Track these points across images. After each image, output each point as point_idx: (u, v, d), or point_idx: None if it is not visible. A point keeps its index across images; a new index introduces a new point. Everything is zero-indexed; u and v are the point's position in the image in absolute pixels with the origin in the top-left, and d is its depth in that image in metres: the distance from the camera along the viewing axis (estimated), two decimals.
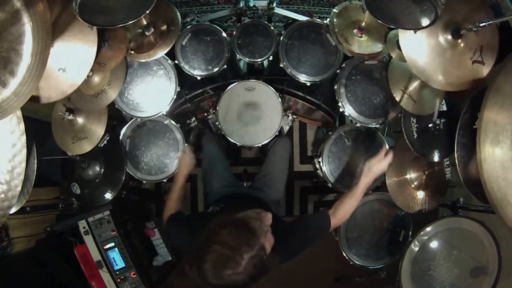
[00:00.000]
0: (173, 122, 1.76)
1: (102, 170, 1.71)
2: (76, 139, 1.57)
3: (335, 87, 1.67)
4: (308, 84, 1.67)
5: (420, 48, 1.26)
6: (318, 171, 1.91)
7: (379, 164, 1.35)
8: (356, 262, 1.77)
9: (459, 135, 1.33)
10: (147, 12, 1.19)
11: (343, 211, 1.29)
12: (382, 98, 1.67)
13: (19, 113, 1.15)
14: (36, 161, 1.31)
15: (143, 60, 1.57)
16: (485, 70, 1.27)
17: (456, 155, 1.32)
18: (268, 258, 0.95)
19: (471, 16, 1.22)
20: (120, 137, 1.75)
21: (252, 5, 1.90)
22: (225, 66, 1.69)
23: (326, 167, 1.77)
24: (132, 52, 1.54)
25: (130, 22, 1.19)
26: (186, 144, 1.53)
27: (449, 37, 1.24)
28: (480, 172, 1.09)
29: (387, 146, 1.37)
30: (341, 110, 1.68)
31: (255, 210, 1.08)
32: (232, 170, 1.84)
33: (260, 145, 1.73)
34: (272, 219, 1.07)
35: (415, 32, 1.22)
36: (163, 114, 1.71)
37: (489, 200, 1.08)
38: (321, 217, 1.26)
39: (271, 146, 1.81)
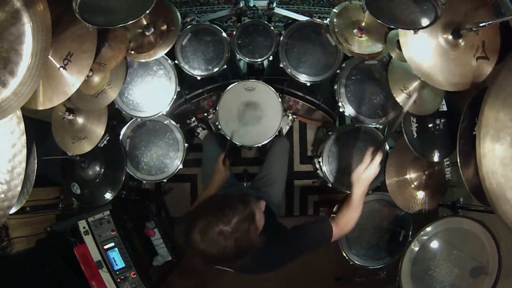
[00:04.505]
0: (173, 122, 1.76)
1: (102, 170, 1.71)
2: (76, 139, 1.57)
3: (335, 87, 1.67)
4: (308, 84, 1.67)
5: (422, 50, 1.25)
6: (318, 171, 1.91)
7: (367, 171, 1.21)
8: (356, 262, 1.77)
9: (460, 143, 1.33)
10: (147, 12, 1.19)
11: (344, 222, 1.22)
12: (382, 98, 1.67)
13: (19, 113, 1.15)
14: (36, 161, 1.31)
15: (143, 60, 1.57)
16: (490, 66, 1.27)
17: (459, 165, 1.31)
18: (255, 230, 0.96)
19: (471, 16, 1.22)
20: (120, 137, 1.75)
21: (252, 5, 1.91)
22: (225, 66, 1.68)
23: (326, 167, 1.77)
24: (132, 52, 1.54)
25: (130, 22, 1.19)
26: (223, 153, 1.47)
27: (450, 37, 1.24)
28: (479, 168, 1.08)
29: (371, 149, 1.23)
30: (341, 110, 1.68)
31: None
32: (232, 170, 1.84)
33: (260, 145, 1.73)
34: (271, 223, 1.07)
35: (415, 32, 1.22)
36: (163, 114, 1.70)
37: (487, 197, 1.08)
38: (323, 226, 1.20)
39: (269, 147, 1.81)
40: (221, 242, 0.89)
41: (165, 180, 1.78)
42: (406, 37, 1.26)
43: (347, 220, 1.22)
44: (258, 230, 0.98)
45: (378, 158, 1.21)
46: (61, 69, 1.26)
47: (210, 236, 0.89)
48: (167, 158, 1.78)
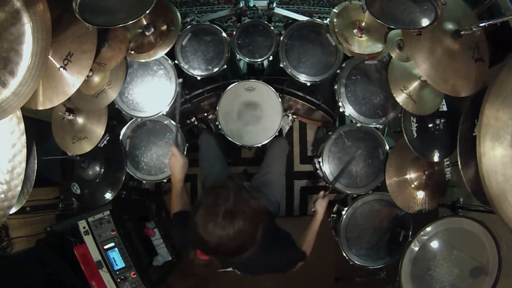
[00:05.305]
0: (173, 122, 1.76)
1: (102, 170, 1.71)
2: (76, 139, 1.57)
3: (335, 87, 1.67)
4: (308, 84, 1.67)
5: (426, 52, 1.25)
6: (318, 171, 1.91)
7: (319, 205, 1.49)
8: (356, 262, 1.77)
9: (461, 145, 1.34)
10: (147, 12, 1.19)
11: (308, 245, 1.39)
12: (382, 98, 1.67)
13: (19, 113, 1.15)
14: (36, 161, 1.31)
15: (143, 60, 1.57)
16: (485, 67, 1.28)
17: (460, 167, 1.32)
18: (253, 195, 0.94)
19: (468, 16, 1.22)
20: (120, 137, 1.75)
21: (252, 5, 1.90)
22: (225, 66, 1.68)
23: (326, 167, 1.77)
24: (132, 52, 1.54)
25: (130, 22, 1.20)
26: (172, 146, 1.40)
27: (450, 38, 1.24)
28: (479, 166, 1.09)
29: (322, 193, 1.55)
30: (341, 110, 1.68)
31: None
32: (232, 170, 1.84)
33: (260, 145, 1.73)
34: (270, 224, 1.07)
35: (415, 32, 1.22)
36: (163, 114, 1.71)
37: (487, 195, 1.09)
38: (296, 253, 1.30)
39: (268, 147, 1.81)
40: (232, 224, 0.86)
41: (165, 180, 1.78)
42: (409, 38, 1.26)
43: (310, 244, 1.40)
44: (255, 194, 0.96)
45: (326, 199, 1.53)
46: (61, 69, 1.26)
47: (220, 222, 0.85)
48: (167, 158, 1.78)
